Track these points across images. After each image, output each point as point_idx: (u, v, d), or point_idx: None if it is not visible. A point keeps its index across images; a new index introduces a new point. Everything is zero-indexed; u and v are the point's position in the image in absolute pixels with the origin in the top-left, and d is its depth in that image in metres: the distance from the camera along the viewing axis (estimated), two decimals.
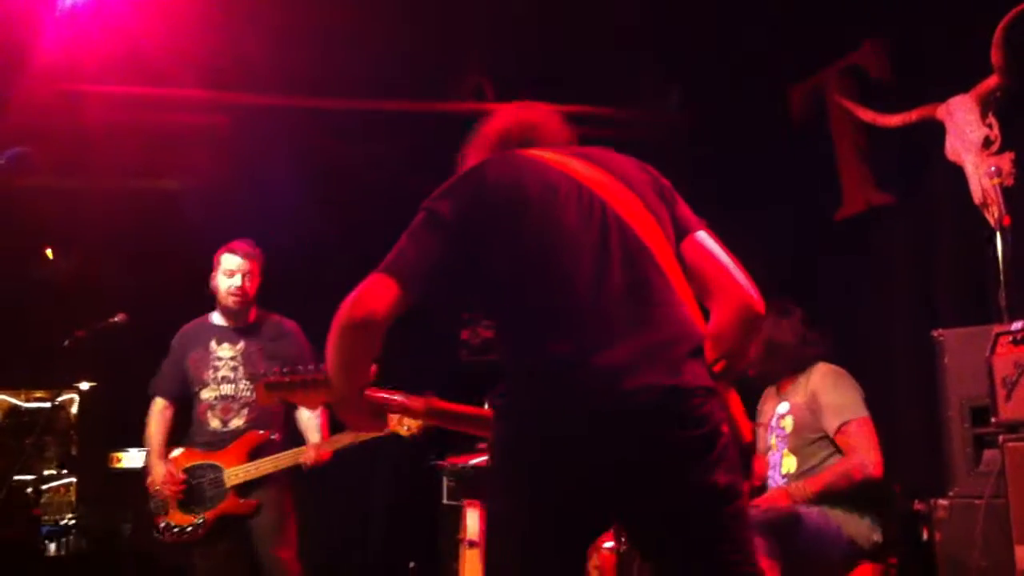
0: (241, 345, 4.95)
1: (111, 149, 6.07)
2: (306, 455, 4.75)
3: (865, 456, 4.42)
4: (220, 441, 4.87)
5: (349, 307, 2.39)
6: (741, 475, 2.38)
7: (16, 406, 8.76)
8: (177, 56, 5.60)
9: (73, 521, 8.25)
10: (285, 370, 2.86)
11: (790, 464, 4.64)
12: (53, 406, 8.61)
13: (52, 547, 7.83)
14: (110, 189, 6.77)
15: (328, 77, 6.10)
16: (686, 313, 2.44)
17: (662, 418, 2.28)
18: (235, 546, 4.82)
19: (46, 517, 8.13)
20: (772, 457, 4.73)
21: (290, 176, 6.30)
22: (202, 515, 4.78)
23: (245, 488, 4.79)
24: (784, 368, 4.78)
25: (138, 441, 7.46)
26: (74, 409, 8.76)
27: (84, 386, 8.48)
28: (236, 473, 4.77)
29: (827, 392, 4.58)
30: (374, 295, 2.38)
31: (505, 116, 2.80)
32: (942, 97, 5.02)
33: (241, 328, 4.99)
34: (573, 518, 2.35)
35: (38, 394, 8.79)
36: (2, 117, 5.47)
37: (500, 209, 2.46)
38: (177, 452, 4.94)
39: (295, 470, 4.83)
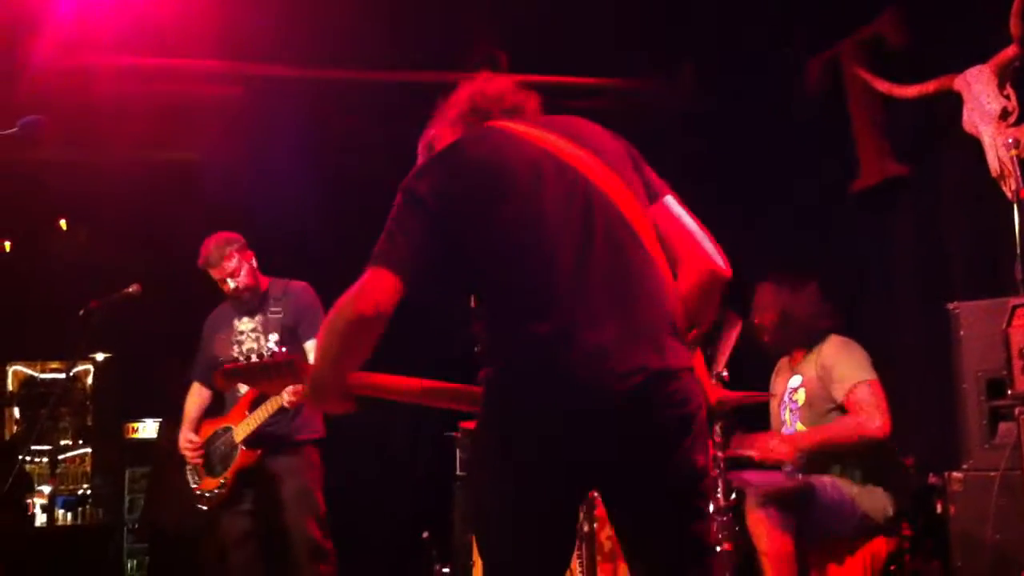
0: (259, 317, 5.12)
1: (124, 120, 6.07)
2: (289, 396, 4.79)
3: (870, 415, 4.39)
4: (235, 403, 5.09)
5: (353, 303, 2.38)
6: (707, 454, 2.43)
7: (32, 377, 8.81)
8: (189, 27, 5.57)
9: (89, 491, 8.33)
10: (244, 358, 2.91)
11: (800, 427, 4.65)
12: (68, 377, 8.66)
13: (68, 517, 7.91)
14: (123, 160, 6.77)
15: (341, 49, 6.07)
16: (666, 290, 2.44)
17: (648, 400, 2.30)
18: (257, 511, 4.98)
19: (61, 487, 8.21)
20: (785, 431, 4.73)
21: (302, 148, 6.29)
22: (223, 475, 5.00)
23: (256, 445, 4.95)
24: (797, 339, 4.77)
25: (152, 412, 7.54)
26: (89, 380, 8.82)
27: (99, 357, 8.53)
28: (241, 428, 4.96)
29: (836, 361, 4.57)
30: (377, 290, 2.37)
31: (470, 88, 2.73)
32: (959, 68, 4.98)
33: (257, 302, 5.15)
34: (557, 493, 2.38)
35: (53, 365, 8.84)
36: (15, 88, 5.47)
37: (481, 188, 2.43)
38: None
39: (320, 442, 5.06)
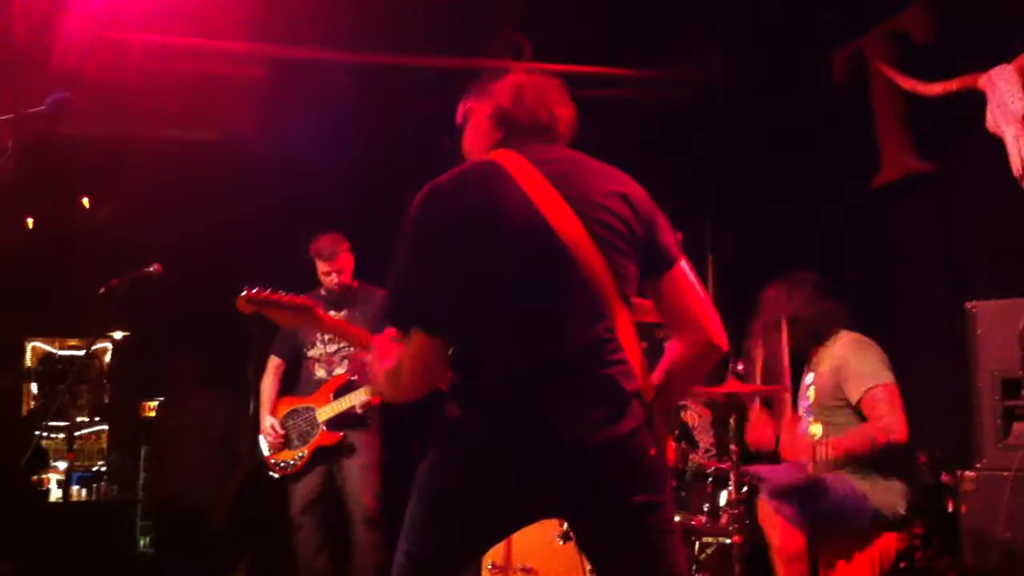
0: (344, 312, 5.66)
1: (151, 98, 6.10)
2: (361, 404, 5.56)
3: (889, 420, 4.38)
4: (319, 387, 5.70)
5: (413, 371, 2.58)
6: (663, 489, 2.56)
7: (50, 354, 8.87)
8: (219, 7, 5.61)
9: (104, 468, 8.38)
10: (267, 289, 3.25)
11: (817, 431, 4.65)
12: (87, 354, 8.72)
13: (83, 493, 7.96)
14: (149, 138, 6.81)
15: (366, 32, 6.09)
16: (628, 357, 2.54)
17: (598, 459, 2.44)
18: (326, 484, 5.62)
19: (77, 463, 8.27)
20: (802, 427, 4.74)
21: (326, 130, 6.32)
22: (303, 449, 5.62)
23: (337, 427, 5.58)
24: (804, 339, 4.77)
25: (170, 390, 7.57)
26: (107, 358, 8.87)
27: (118, 335, 8.58)
28: (325, 411, 5.60)
29: (850, 360, 4.57)
30: (429, 355, 2.55)
31: (517, 82, 2.79)
32: (984, 67, 4.96)
33: (345, 298, 5.71)
34: (489, 520, 2.57)
35: (72, 342, 8.89)
36: (44, 63, 5.50)
37: (462, 231, 2.53)
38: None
39: (381, 421, 5.69)
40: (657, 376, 2.66)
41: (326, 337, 5.69)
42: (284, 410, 5.73)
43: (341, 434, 5.58)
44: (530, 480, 2.47)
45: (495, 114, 2.76)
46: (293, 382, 5.85)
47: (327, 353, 5.74)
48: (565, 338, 2.48)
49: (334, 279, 5.63)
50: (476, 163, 2.70)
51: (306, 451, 5.61)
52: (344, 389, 5.62)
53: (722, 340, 2.66)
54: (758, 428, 4.73)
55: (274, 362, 5.88)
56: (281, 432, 5.64)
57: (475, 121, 2.82)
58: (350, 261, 5.69)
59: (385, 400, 2.91)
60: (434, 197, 2.60)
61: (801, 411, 4.77)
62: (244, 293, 3.20)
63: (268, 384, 5.83)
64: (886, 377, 4.47)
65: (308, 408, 5.67)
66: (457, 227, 2.53)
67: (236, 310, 3.23)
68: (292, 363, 5.87)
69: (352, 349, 5.46)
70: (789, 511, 4.24)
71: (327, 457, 5.62)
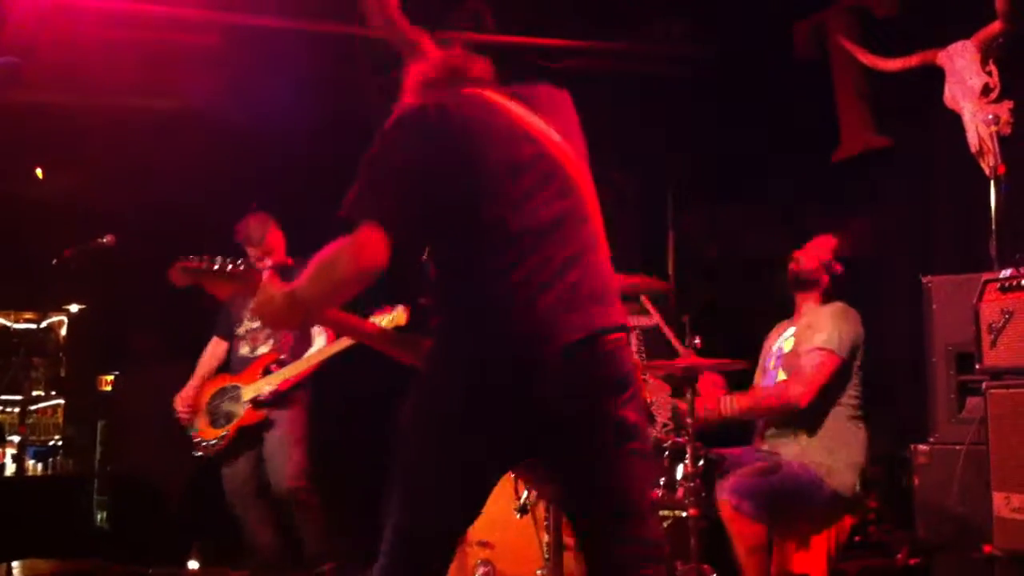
0: None
1: (106, 66, 6.01)
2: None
3: (802, 384, 4.41)
4: (246, 365, 5.52)
5: (355, 259, 2.52)
6: (646, 419, 2.63)
7: (5, 327, 8.75)
8: None
9: (60, 442, 8.30)
10: (202, 257, 3.07)
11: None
12: (42, 328, 8.61)
13: (39, 467, 7.88)
14: (104, 107, 6.70)
15: (326, 0, 6.04)
16: (608, 260, 2.67)
17: (590, 356, 2.49)
18: (255, 463, 5.41)
19: (32, 437, 8.18)
20: (767, 377, 4.77)
21: (284, 99, 6.26)
22: (225, 428, 5.42)
23: (263, 405, 5.36)
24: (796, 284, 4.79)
25: (126, 364, 7.50)
26: (63, 331, 8.76)
27: (74, 308, 8.47)
28: (250, 389, 5.39)
29: (826, 320, 4.56)
30: (376, 247, 2.50)
31: (442, 55, 2.89)
32: (944, 42, 4.97)
33: (283, 279, 5.35)
34: (487, 440, 2.52)
35: (27, 315, 8.77)
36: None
37: (464, 144, 2.57)
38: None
39: (314, 396, 5.47)
40: None
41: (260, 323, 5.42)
42: (212, 389, 5.56)
43: (263, 413, 5.38)
44: (532, 392, 2.46)
45: (440, 75, 2.82)
46: None
47: (251, 329, 5.57)
48: (565, 242, 2.55)
49: (267, 263, 5.38)
50: (454, 92, 2.72)
51: (230, 430, 5.42)
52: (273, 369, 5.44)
53: None
54: (709, 393, 4.72)
55: (213, 341, 5.74)
56: (187, 406, 5.47)
57: (412, 79, 2.85)
58: (280, 240, 5.51)
59: (290, 313, 2.68)
60: (424, 112, 2.62)
61: (772, 363, 4.77)
62: (178, 263, 3.05)
63: (206, 358, 5.69)
64: (836, 347, 4.45)
65: (235, 387, 5.49)
66: (449, 140, 2.57)
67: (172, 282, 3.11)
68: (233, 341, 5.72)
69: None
70: (748, 507, 4.25)
71: (254, 436, 5.42)
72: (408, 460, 2.56)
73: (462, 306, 2.55)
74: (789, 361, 4.63)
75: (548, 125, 2.68)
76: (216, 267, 3.01)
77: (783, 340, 4.75)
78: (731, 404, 4.51)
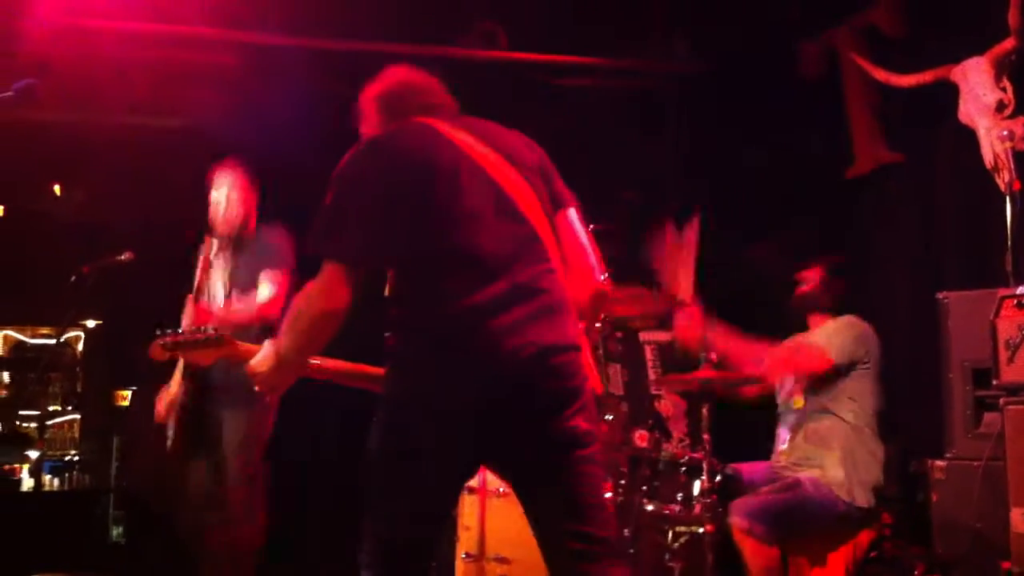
0: (235, 262, 5.09)
1: (120, 85, 6.05)
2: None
3: (781, 364, 4.55)
4: None
5: (319, 301, 2.67)
6: (597, 425, 2.73)
7: (22, 342, 8.81)
8: None
9: (76, 457, 8.33)
10: (180, 331, 3.18)
11: (799, 404, 4.69)
12: (59, 343, 8.65)
13: (55, 482, 7.91)
14: (118, 125, 6.74)
15: (337, 19, 6.06)
16: (561, 280, 2.76)
17: (539, 369, 2.60)
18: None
19: (49, 452, 8.22)
20: (785, 389, 4.80)
21: (296, 118, 6.28)
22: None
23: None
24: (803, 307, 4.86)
25: (142, 380, 7.52)
26: (80, 346, 8.81)
27: (90, 324, 8.52)
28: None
29: (830, 330, 4.64)
30: (339, 287, 2.65)
31: (394, 80, 3.03)
32: (957, 58, 4.98)
33: (239, 241, 5.13)
34: (453, 456, 2.66)
35: (44, 331, 8.83)
36: (13, 50, 5.45)
37: (415, 174, 2.70)
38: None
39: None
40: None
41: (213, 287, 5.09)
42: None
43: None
44: (489, 407, 2.58)
45: (385, 96, 2.98)
46: None
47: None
48: (510, 262, 2.65)
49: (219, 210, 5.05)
50: (405, 123, 2.85)
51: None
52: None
53: (602, 283, 2.90)
54: (687, 327, 4.76)
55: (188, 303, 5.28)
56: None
57: (368, 110, 3.01)
58: (250, 195, 5.15)
59: (280, 371, 2.81)
60: (373, 148, 2.79)
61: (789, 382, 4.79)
62: (157, 340, 3.12)
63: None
64: (830, 349, 4.53)
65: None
66: (401, 173, 2.70)
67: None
68: None
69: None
70: (760, 531, 4.25)
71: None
72: (378, 482, 2.69)
73: (417, 330, 2.66)
74: (807, 388, 4.65)
75: (499, 150, 2.79)
76: (192, 339, 3.11)
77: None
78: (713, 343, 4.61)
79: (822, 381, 4.58)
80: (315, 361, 2.97)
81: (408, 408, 2.64)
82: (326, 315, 2.67)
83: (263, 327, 4.70)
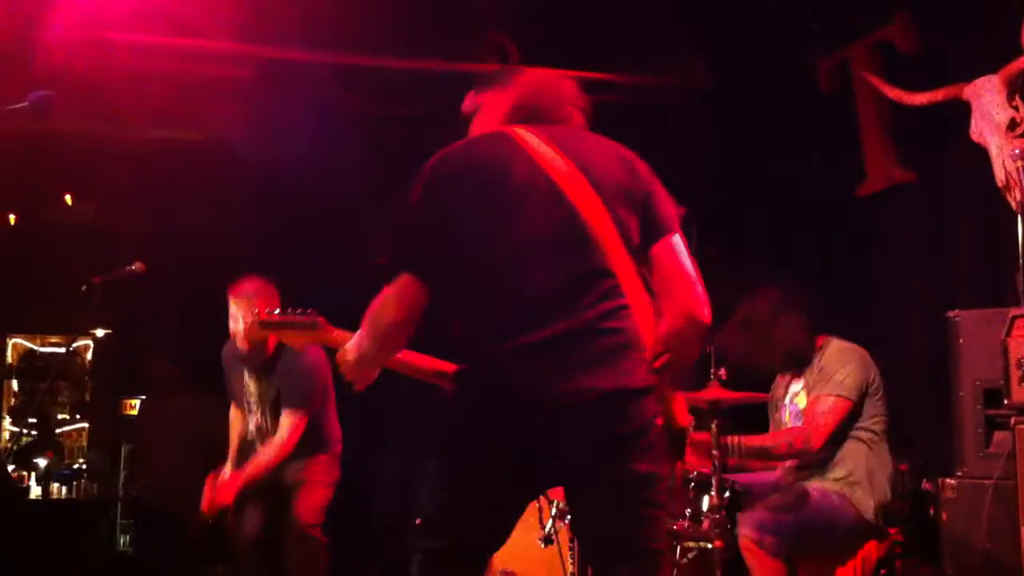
0: (264, 384, 5.15)
1: (135, 98, 6.07)
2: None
3: (813, 430, 4.44)
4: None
5: (391, 312, 2.67)
6: (665, 463, 2.63)
7: (32, 350, 8.82)
8: (204, 7, 5.59)
9: (84, 466, 8.34)
10: (278, 311, 3.24)
11: (803, 398, 4.67)
12: (68, 352, 8.67)
13: (63, 491, 7.91)
14: (133, 138, 6.78)
15: (354, 33, 6.08)
16: (635, 318, 2.62)
17: (600, 417, 2.51)
18: (263, 513, 5.16)
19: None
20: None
21: (312, 132, 6.30)
22: None
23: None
24: (777, 364, 4.79)
25: (150, 389, 7.54)
26: (89, 355, 8.83)
27: (99, 333, 8.54)
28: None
29: (832, 365, 4.57)
30: (410, 298, 2.64)
31: (540, 78, 2.93)
32: (969, 77, 4.98)
33: (261, 363, 5.15)
34: (505, 491, 2.64)
35: (53, 339, 8.85)
36: (29, 61, 5.48)
37: (473, 196, 2.64)
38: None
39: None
40: (655, 349, 2.68)
41: (252, 407, 5.19)
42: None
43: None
44: (538, 456, 2.54)
45: (514, 105, 2.85)
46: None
47: (257, 428, 5.22)
48: (572, 299, 2.55)
49: (239, 329, 5.03)
50: (486, 133, 2.81)
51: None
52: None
53: (705, 314, 2.69)
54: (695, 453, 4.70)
55: (232, 410, 5.42)
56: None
57: (488, 111, 2.89)
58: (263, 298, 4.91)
59: (360, 367, 2.84)
60: (446, 159, 2.72)
61: (787, 418, 4.77)
62: (257, 317, 3.21)
63: (233, 429, 5.40)
64: (845, 392, 4.48)
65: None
66: (467, 187, 2.65)
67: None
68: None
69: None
70: (769, 543, 4.24)
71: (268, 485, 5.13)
72: (435, 496, 2.67)
73: (465, 364, 2.64)
74: (807, 413, 4.63)
75: (584, 170, 2.66)
76: (290, 319, 3.19)
77: (796, 395, 4.75)
78: (737, 444, 4.51)
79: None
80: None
81: (460, 426, 2.64)
82: (398, 324, 2.68)
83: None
